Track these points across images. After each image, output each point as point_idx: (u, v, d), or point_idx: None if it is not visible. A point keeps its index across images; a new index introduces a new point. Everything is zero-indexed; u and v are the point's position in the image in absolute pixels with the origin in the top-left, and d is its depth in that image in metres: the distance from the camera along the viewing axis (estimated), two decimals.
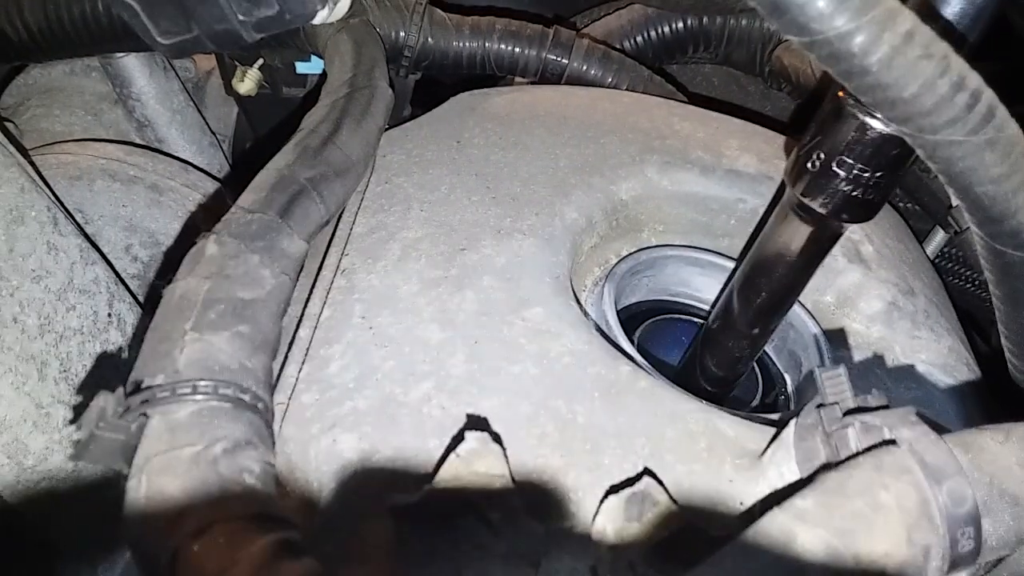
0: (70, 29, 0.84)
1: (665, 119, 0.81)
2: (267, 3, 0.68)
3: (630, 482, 0.46)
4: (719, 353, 0.65)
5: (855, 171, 0.49)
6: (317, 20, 0.74)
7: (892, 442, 0.41)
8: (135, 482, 0.39)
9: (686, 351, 0.72)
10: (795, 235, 0.55)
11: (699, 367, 0.67)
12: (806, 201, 0.52)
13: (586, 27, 1.15)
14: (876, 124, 0.47)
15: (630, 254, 0.71)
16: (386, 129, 0.73)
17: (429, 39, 0.91)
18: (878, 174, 0.49)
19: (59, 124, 0.96)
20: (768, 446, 0.49)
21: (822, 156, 0.50)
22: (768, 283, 0.59)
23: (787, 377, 0.72)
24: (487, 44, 0.93)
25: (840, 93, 0.48)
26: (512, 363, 0.53)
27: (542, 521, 0.45)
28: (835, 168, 0.50)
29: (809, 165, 0.51)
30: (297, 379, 0.53)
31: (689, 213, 0.76)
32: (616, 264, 0.69)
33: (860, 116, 0.47)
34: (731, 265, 0.73)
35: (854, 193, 0.50)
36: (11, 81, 1.02)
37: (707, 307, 0.76)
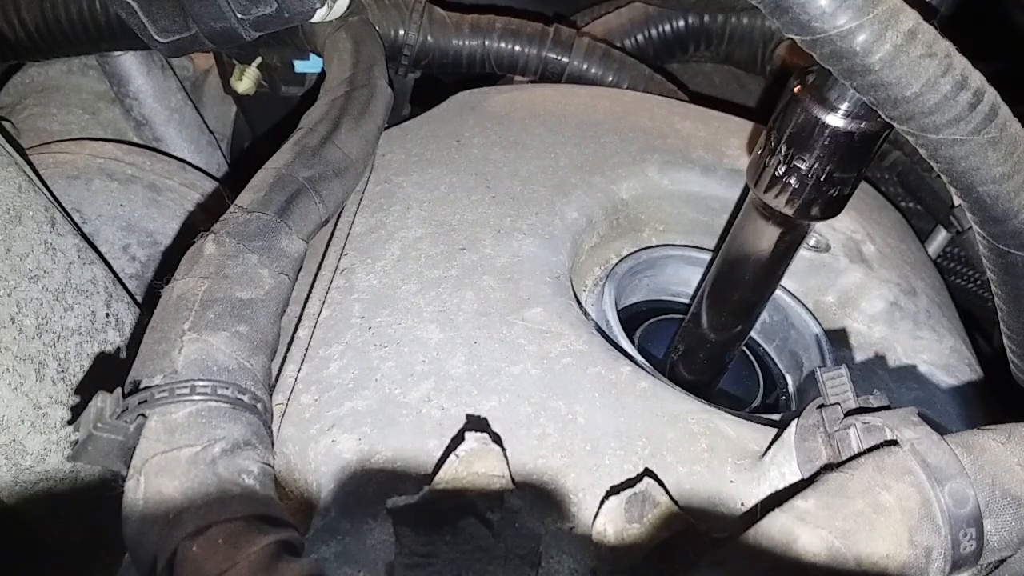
0: (67, 27, 0.84)
1: (666, 118, 0.81)
2: (265, 1, 0.68)
3: (631, 483, 0.46)
4: (695, 354, 0.65)
5: (814, 168, 0.48)
6: (316, 18, 0.74)
7: (894, 443, 0.41)
8: (133, 483, 0.39)
9: (667, 350, 0.71)
10: (761, 235, 0.54)
11: (679, 367, 0.67)
12: (767, 200, 0.51)
13: (586, 25, 1.14)
14: (832, 119, 0.46)
15: (631, 254, 0.71)
16: (385, 128, 0.73)
17: (428, 37, 0.91)
18: (838, 169, 0.48)
19: (56, 123, 0.96)
20: (769, 447, 0.49)
21: (780, 154, 0.49)
22: (738, 283, 0.58)
23: (788, 378, 0.71)
24: (487, 43, 0.93)
25: (796, 88, 0.48)
26: (512, 363, 0.53)
27: (542, 522, 0.45)
28: (794, 165, 0.48)
29: (768, 163, 0.50)
30: (296, 379, 0.52)
31: (690, 212, 0.75)
32: (616, 264, 0.69)
33: (815, 112, 0.46)
34: None
35: (816, 190, 0.49)
36: (8, 80, 1.02)
37: None
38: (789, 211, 0.50)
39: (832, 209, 0.51)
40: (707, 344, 0.64)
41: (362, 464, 0.47)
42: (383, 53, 0.79)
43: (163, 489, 0.38)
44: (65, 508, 0.59)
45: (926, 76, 0.40)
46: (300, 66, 1.00)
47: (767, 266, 0.56)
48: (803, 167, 0.48)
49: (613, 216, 0.71)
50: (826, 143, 0.47)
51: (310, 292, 0.59)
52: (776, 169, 0.50)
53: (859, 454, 0.41)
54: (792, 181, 0.49)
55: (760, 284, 0.58)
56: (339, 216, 0.66)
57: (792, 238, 0.54)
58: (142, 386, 0.43)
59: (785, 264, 0.57)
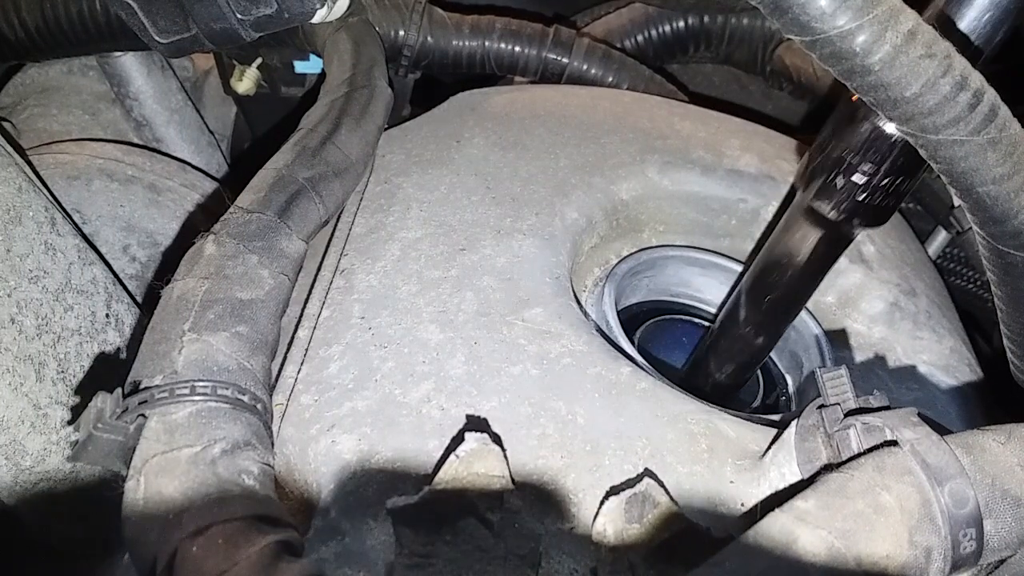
0: (67, 28, 0.84)
1: (666, 119, 0.81)
2: (265, 2, 0.68)
3: (630, 483, 0.46)
4: (725, 358, 0.65)
5: (868, 176, 0.49)
6: (316, 19, 0.74)
7: (894, 443, 0.41)
8: (133, 483, 0.39)
9: (691, 354, 0.72)
10: (805, 240, 0.55)
11: (704, 372, 0.67)
12: (816, 206, 0.52)
13: (587, 26, 1.14)
14: (890, 128, 0.46)
15: (630, 254, 0.71)
16: (385, 129, 0.73)
17: (428, 38, 0.91)
18: (892, 179, 0.49)
19: (56, 123, 0.96)
20: (769, 447, 0.49)
21: (835, 160, 0.50)
22: (777, 288, 0.58)
23: (788, 378, 0.71)
24: (487, 43, 0.93)
25: (854, 96, 0.48)
26: (512, 364, 0.53)
27: (542, 522, 0.45)
28: (847, 173, 0.49)
29: (821, 169, 0.51)
30: (296, 380, 0.52)
31: (690, 213, 0.75)
32: (616, 264, 0.69)
33: (874, 120, 0.47)
34: (732, 265, 0.72)
35: (867, 198, 0.49)
36: (8, 80, 1.02)
37: (708, 307, 0.76)
38: (835, 216, 0.51)
39: (885, 216, 0.52)
40: (735, 355, 0.64)
41: (362, 464, 0.47)
42: (383, 54, 0.79)
43: (163, 489, 0.38)
44: (65, 508, 0.59)
45: (926, 77, 0.40)
46: (300, 67, 1.00)
47: (807, 271, 0.57)
48: (862, 177, 0.49)
49: (613, 216, 0.71)
50: (880, 151, 0.47)
51: (310, 292, 0.59)
52: (826, 174, 0.50)
53: (859, 454, 0.41)
54: (849, 190, 0.50)
55: (802, 288, 0.59)
56: (339, 216, 0.66)
57: (834, 245, 0.55)
58: (142, 386, 0.43)
59: (825, 270, 0.57)
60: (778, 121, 1.17)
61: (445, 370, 0.52)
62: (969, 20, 0.44)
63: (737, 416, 0.54)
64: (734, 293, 0.64)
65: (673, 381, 0.57)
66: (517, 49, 0.94)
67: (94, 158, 0.84)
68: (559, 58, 0.95)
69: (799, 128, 1.17)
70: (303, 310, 0.58)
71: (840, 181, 0.50)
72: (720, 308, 0.70)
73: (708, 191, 0.75)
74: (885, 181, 0.49)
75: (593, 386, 0.52)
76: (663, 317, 0.75)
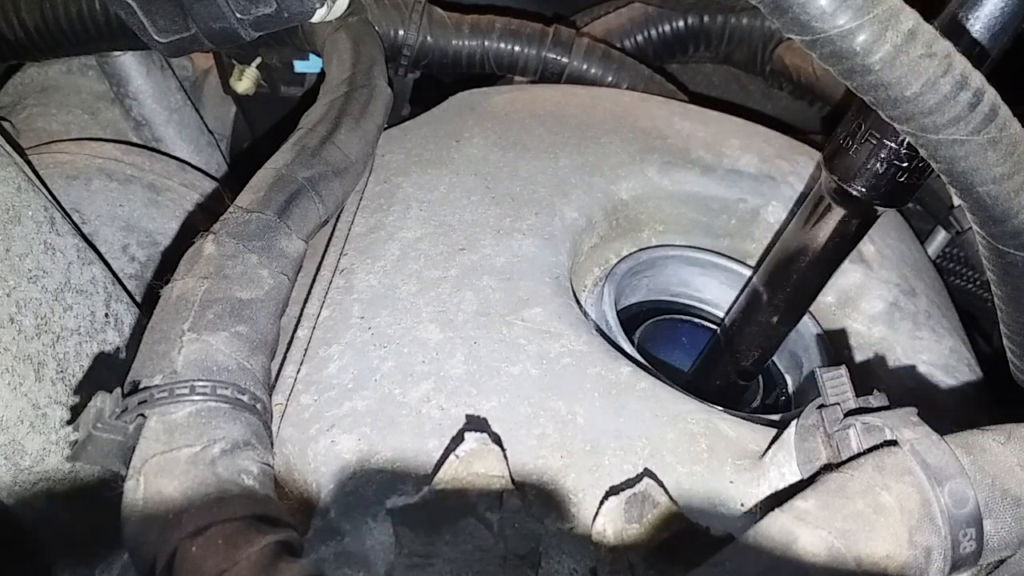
0: (67, 27, 0.84)
1: (666, 118, 0.81)
2: (265, 1, 0.67)
3: (630, 483, 0.46)
4: (749, 344, 0.65)
5: (894, 154, 0.49)
6: (315, 18, 0.74)
7: (894, 443, 0.41)
8: (133, 483, 0.39)
9: (702, 350, 0.72)
10: (829, 220, 0.56)
11: (723, 363, 0.67)
12: (843, 185, 0.52)
13: (586, 26, 1.14)
14: None
15: (630, 254, 0.71)
16: (385, 128, 0.73)
17: (428, 38, 0.91)
18: (915, 155, 0.49)
19: (56, 123, 0.96)
20: (769, 447, 0.49)
21: (863, 139, 0.50)
22: (798, 270, 0.59)
23: (788, 378, 0.71)
24: (486, 43, 0.93)
25: None
26: (512, 364, 0.53)
27: (542, 522, 0.45)
28: (875, 151, 0.50)
29: (848, 148, 0.51)
30: (296, 379, 0.52)
31: (690, 213, 0.75)
32: (616, 264, 0.69)
33: None
34: (732, 265, 0.72)
35: (892, 176, 0.50)
36: (8, 80, 1.02)
37: (708, 307, 0.76)
38: (861, 195, 0.52)
39: (902, 196, 0.52)
40: (752, 343, 0.65)
41: (362, 464, 0.47)
42: (383, 53, 0.79)
43: (163, 489, 0.38)
44: (65, 508, 0.59)
45: (926, 76, 0.40)
46: (300, 66, 1.00)
47: (829, 252, 0.57)
48: (890, 154, 0.49)
49: (613, 216, 0.71)
50: None
51: (310, 292, 0.59)
52: (853, 153, 0.51)
53: (859, 454, 0.41)
54: (867, 165, 0.50)
55: (820, 272, 0.59)
56: (339, 216, 0.66)
57: (858, 224, 0.56)
58: (142, 386, 0.43)
59: (846, 252, 0.58)
60: (778, 121, 1.17)
61: (445, 370, 0.52)
62: (980, 24, 0.45)
63: (737, 416, 0.54)
64: (754, 279, 0.64)
65: (674, 381, 0.57)
66: (517, 49, 0.94)
67: (93, 158, 0.84)
68: (559, 58, 0.95)
69: (799, 128, 1.17)
70: (303, 310, 0.58)
71: (863, 158, 0.50)
72: (734, 301, 0.70)
73: (708, 191, 0.75)
74: (911, 158, 0.49)
75: (593, 386, 0.52)
76: (663, 317, 0.75)
